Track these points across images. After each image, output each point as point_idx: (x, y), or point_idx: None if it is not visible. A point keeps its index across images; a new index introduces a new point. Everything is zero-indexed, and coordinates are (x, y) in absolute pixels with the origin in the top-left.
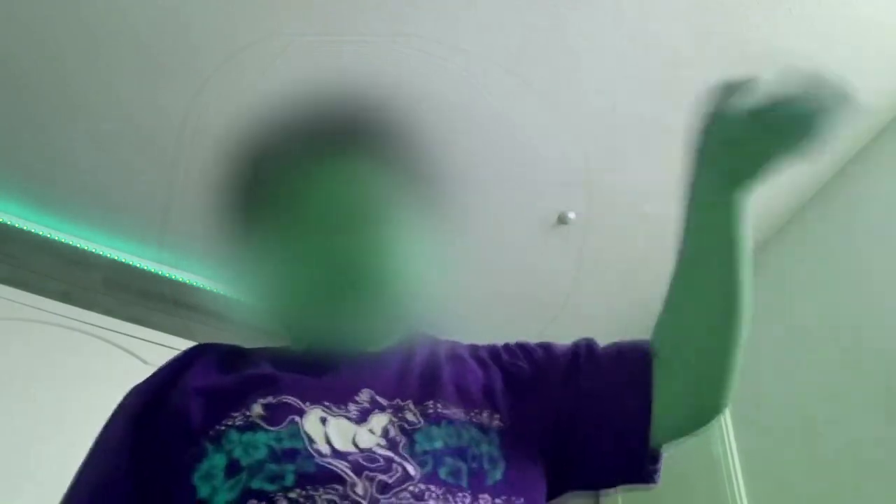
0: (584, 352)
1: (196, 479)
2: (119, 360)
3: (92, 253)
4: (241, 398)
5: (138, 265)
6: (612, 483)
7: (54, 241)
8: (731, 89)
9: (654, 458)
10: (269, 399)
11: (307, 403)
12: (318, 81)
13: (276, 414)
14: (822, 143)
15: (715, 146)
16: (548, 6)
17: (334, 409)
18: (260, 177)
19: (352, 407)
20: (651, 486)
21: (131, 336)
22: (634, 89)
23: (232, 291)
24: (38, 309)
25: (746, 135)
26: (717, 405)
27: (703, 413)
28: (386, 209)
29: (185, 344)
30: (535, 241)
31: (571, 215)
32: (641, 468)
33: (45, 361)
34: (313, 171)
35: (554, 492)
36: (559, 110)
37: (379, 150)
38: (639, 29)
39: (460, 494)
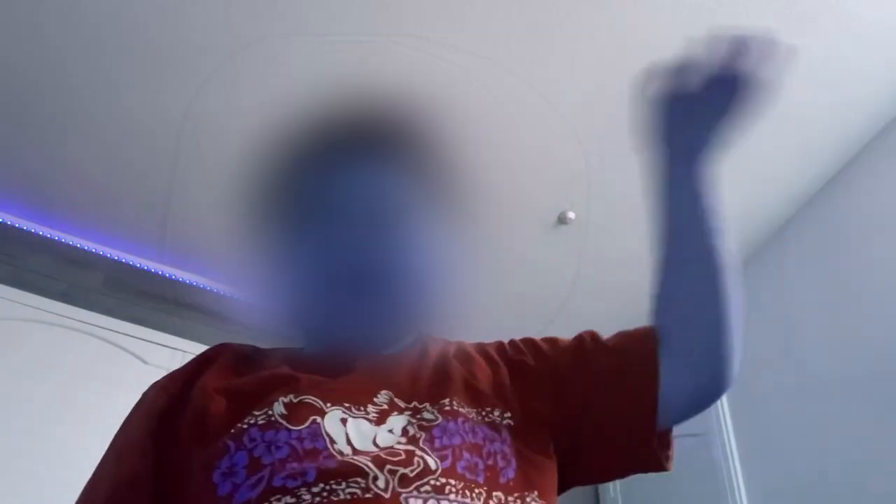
0: (590, 341)
1: (216, 476)
2: (119, 360)
3: (92, 253)
4: (262, 397)
5: (138, 265)
6: (624, 471)
7: (54, 241)
8: (668, 69)
9: (666, 443)
10: (291, 398)
11: (328, 404)
12: (340, 84)
13: (297, 413)
14: (762, 96)
15: (665, 125)
16: (548, 6)
17: (354, 410)
18: (282, 177)
19: (371, 408)
20: (663, 471)
21: (131, 336)
22: (635, 89)
23: (250, 291)
24: (38, 309)
25: (691, 110)
26: (720, 381)
27: (707, 390)
28: (406, 210)
29: (185, 344)
30: (535, 241)
31: (571, 215)
32: (652, 453)
33: (45, 361)
34: (335, 171)
35: (566, 483)
36: (559, 110)
37: (400, 152)
38: (639, 29)
39: (477, 490)
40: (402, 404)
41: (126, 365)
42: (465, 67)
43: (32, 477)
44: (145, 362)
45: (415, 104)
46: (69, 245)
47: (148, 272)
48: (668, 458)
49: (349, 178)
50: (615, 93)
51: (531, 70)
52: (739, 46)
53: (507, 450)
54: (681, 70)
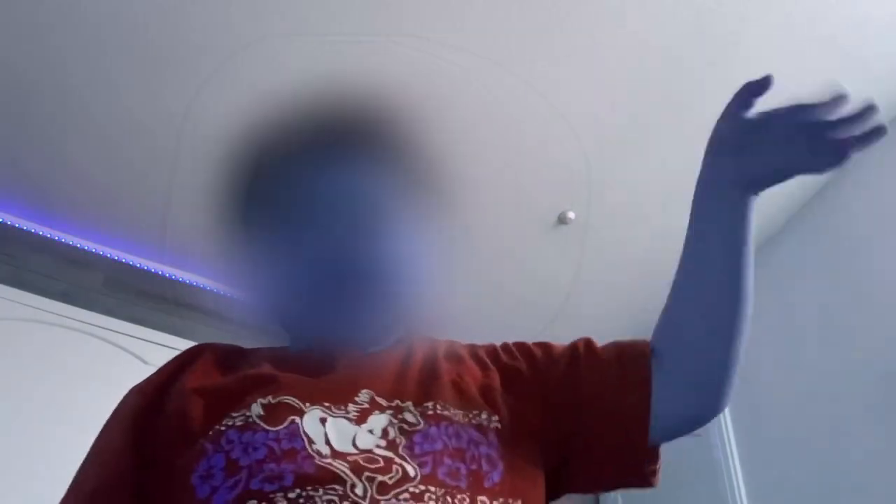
0: (584, 351)
1: (195, 479)
2: (119, 360)
3: (92, 253)
4: (240, 398)
5: (138, 265)
6: (610, 485)
7: (54, 241)
8: (750, 91)
9: (653, 459)
10: (269, 399)
11: (307, 404)
12: (321, 81)
13: (275, 414)
14: (839, 160)
15: (727, 147)
16: (548, 6)
17: (334, 409)
18: (262, 175)
19: (351, 407)
20: (649, 487)
21: (131, 336)
22: (634, 89)
23: (233, 289)
24: (38, 309)
25: (758, 138)
26: (716, 405)
27: (702, 412)
28: (387, 208)
29: (185, 344)
30: (535, 241)
31: (571, 215)
32: (640, 470)
33: (45, 361)
34: (315, 169)
35: (553, 493)
36: (559, 110)
37: (381, 149)
38: (639, 29)
39: (459, 496)
40: (383, 403)
41: (126, 365)
42: (465, 67)
43: (32, 477)
44: (145, 362)
45: (397, 102)
46: (69, 245)
47: (148, 272)
48: (654, 472)
49: (330, 176)
50: (615, 93)
51: (531, 70)
52: (848, 108)
53: (493, 453)
54: (763, 92)
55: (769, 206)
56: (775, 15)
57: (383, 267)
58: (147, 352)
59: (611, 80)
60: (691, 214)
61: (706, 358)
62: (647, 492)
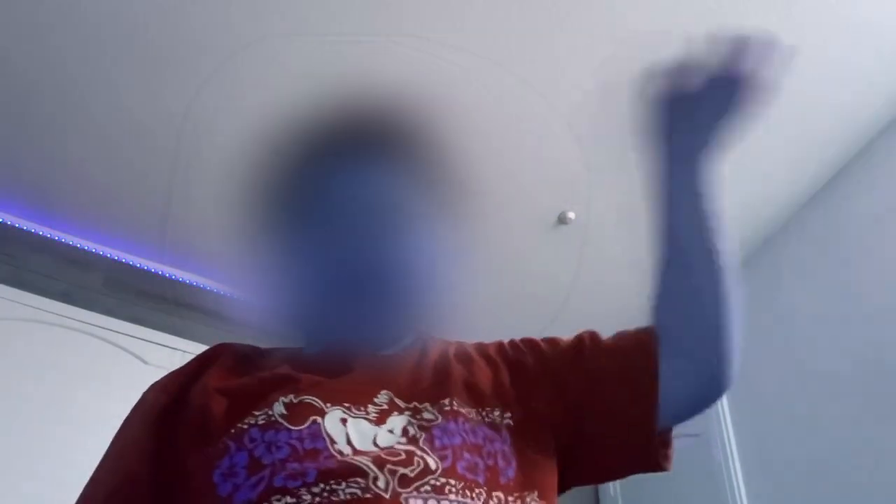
0: (589, 341)
1: (217, 476)
2: (119, 360)
3: (92, 253)
4: (262, 397)
5: (138, 265)
6: (623, 471)
7: (54, 241)
8: (668, 69)
9: (666, 443)
10: (291, 398)
11: (328, 404)
12: (335, 83)
13: (297, 413)
14: (761, 97)
15: (666, 126)
16: (548, 6)
17: (354, 410)
18: (280, 178)
19: (371, 408)
20: (662, 471)
21: (131, 336)
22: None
23: (249, 292)
24: (38, 309)
25: (691, 110)
26: (720, 381)
27: (707, 390)
28: (405, 209)
29: (185, 344)
30: (535, 241)
31: (571, 215)
32: (652, 454)
33: (45, 361)
34: (334, 171)
35: (566, 483)
36: (559, 110)
37: (398, 151)
38: (639, 29)
39: (477, 490)
40: (402, 404)
41: (126, 365)
42: (465, 67)
43: (32, 477)
44: (145, 362)
45: (412, 103)
46: (69, 245)
47: (148, 272)
48: (667, 457)
49: (347, 178)
50: (615, 93)
51: (531, 70)
52: (739, 46)
53: (507, 449)
54: (681, 70)
55: (768, 206)
56: (775, 14)
57: (402, 268)
58: (147, 352)
59: (611, 80)
60: (654, 194)
61: (701, 332)
62: (646, 491)
